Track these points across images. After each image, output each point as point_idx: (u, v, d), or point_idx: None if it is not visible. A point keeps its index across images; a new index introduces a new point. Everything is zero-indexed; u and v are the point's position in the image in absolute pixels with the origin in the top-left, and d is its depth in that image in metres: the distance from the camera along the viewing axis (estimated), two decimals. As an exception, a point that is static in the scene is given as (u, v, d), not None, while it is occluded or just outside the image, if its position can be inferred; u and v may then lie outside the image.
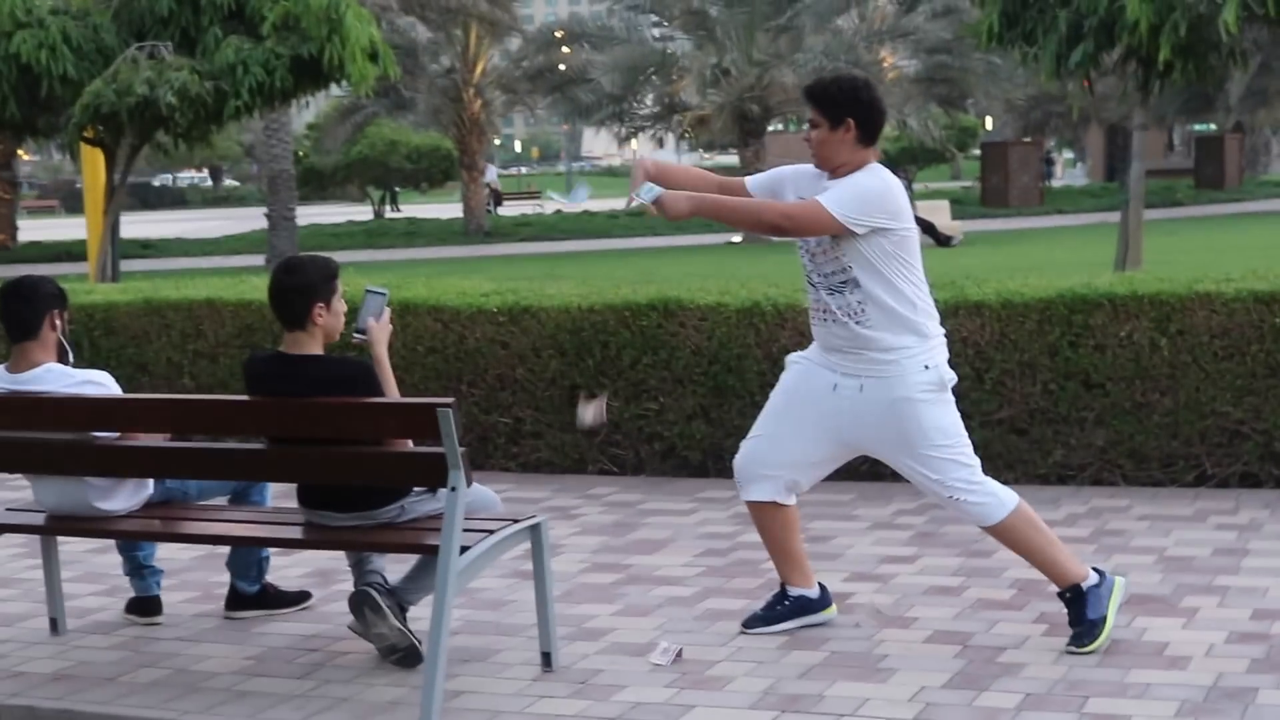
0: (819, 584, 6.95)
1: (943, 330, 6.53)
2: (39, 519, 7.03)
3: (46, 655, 6.94)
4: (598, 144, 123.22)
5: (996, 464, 9.50)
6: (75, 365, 6.97)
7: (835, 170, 6.40)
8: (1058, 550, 6.53)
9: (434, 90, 47.99)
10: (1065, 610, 6.52)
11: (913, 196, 51.51)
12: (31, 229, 55.51)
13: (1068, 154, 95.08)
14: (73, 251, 39.54)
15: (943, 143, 55.82)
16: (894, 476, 9.41)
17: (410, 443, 6.35)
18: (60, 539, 7.43)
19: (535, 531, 6.48)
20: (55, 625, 7.26)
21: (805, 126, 6.52)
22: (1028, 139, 63.95)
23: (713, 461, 10.12)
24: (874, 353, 6.36)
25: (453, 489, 5.97)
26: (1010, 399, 9.57)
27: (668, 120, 48.97)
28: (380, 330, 6.69)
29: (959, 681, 6.11)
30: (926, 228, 36.30)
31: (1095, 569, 6.59)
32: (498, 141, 67.82)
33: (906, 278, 6.35)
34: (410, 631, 6.49)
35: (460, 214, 51.07)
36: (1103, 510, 8.88)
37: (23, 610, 7.68)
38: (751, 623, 6.88)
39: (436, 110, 49.06)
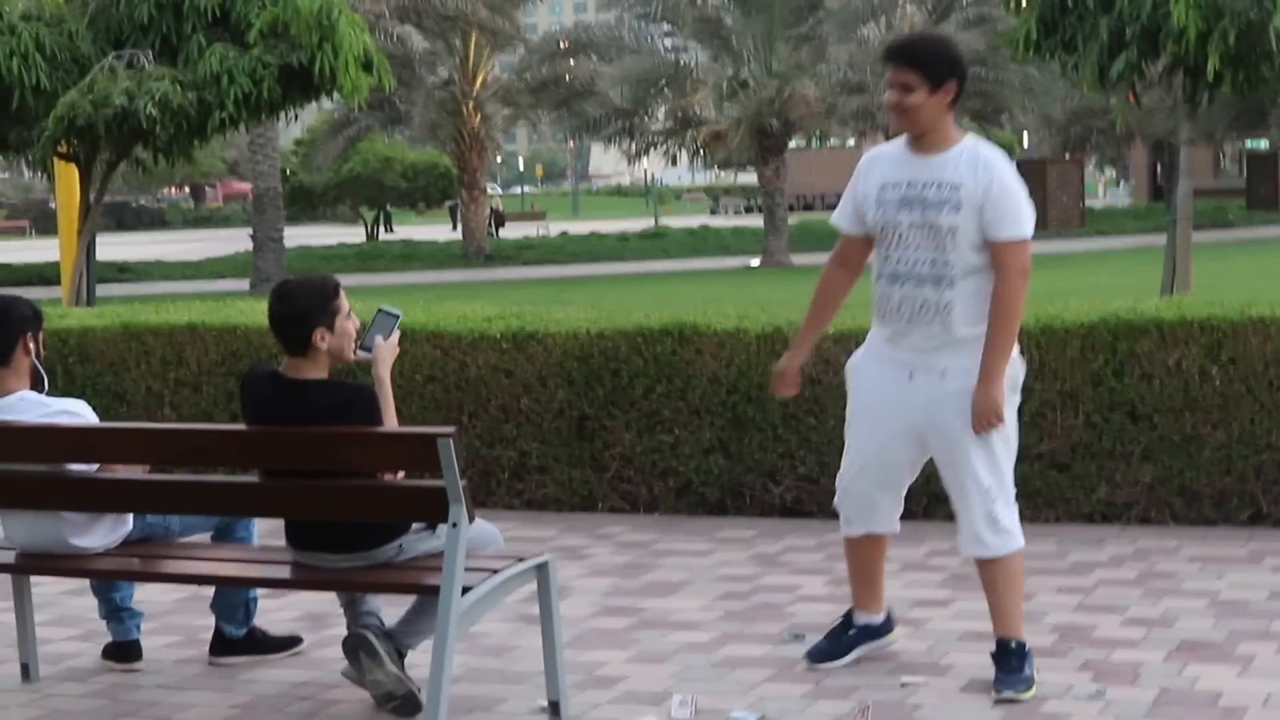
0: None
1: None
2: (9, 557, 7.01)
3: (18, 704, 6.92)
4: (606, 161, 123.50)
5: (1036, 501, 9.49)
6: (49, 394, 6.96)
7: (922, 136, 6.57)
8: (1021, 601, 6.72)
9: (431, 103, 48.11)
10: (999, 656, 6.58)
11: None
12: (-1, 250, 55.66)
13: (1110, 172, 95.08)
14: (44, 274, 39.56)
15: (976, 160, 55.77)
16: (926, 515, 9.44)
17: (402, 475, 6.36)
18: (33, 579, 7.43)
19: (542, 571, 6.48)
20: (27, 671, 7.24)
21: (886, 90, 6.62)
22: (1067, 156, 64.02)
23: (731, 499, 10.11)
24: (958, 345, 6.50)
25: (454, 525, 5.97)
26: (1050, 432, 9.56)
27: (681, 136, 48.95)
28: (387, 350, 6.72)
29: (997, 733, 6.11)
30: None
31: None
32: (499, 159, 67.77)
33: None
34: (409, 678, 6.47)
35: (458, 236, 51.10)
36: (1150, 551, 8.86)
37: (-8, 655, 7.68)
38: (818, 656, 6.97)
39: (434, 125, 49.22)
